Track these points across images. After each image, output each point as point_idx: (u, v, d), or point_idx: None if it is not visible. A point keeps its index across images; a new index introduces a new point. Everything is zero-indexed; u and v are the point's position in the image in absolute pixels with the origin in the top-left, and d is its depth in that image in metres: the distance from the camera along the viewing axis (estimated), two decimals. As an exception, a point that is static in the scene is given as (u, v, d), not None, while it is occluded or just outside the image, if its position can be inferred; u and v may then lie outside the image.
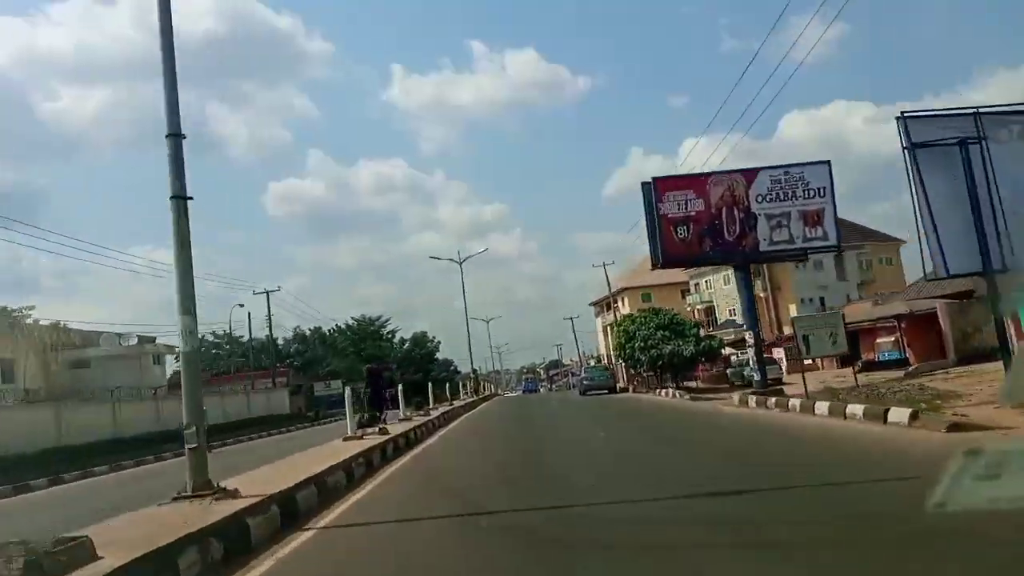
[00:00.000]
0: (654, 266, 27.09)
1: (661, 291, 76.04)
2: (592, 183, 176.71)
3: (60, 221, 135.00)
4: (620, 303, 78.75)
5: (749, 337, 25.08)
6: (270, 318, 47.77)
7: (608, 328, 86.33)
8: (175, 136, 8.52)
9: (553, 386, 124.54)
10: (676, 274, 76.25)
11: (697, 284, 72.07)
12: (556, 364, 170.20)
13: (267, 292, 47.02)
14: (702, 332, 39.07)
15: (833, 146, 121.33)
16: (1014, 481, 1.30)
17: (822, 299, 62.68)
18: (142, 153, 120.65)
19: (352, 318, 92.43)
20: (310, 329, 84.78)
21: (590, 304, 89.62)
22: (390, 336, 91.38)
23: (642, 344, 36.10)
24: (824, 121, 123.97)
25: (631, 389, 41.12)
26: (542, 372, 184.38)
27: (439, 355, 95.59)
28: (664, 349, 34.96)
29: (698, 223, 24.72)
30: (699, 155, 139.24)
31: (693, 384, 38.14)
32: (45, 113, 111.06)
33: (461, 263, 55.39)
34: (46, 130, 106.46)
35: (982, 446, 1.40)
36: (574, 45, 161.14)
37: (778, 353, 41.22)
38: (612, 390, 39.74)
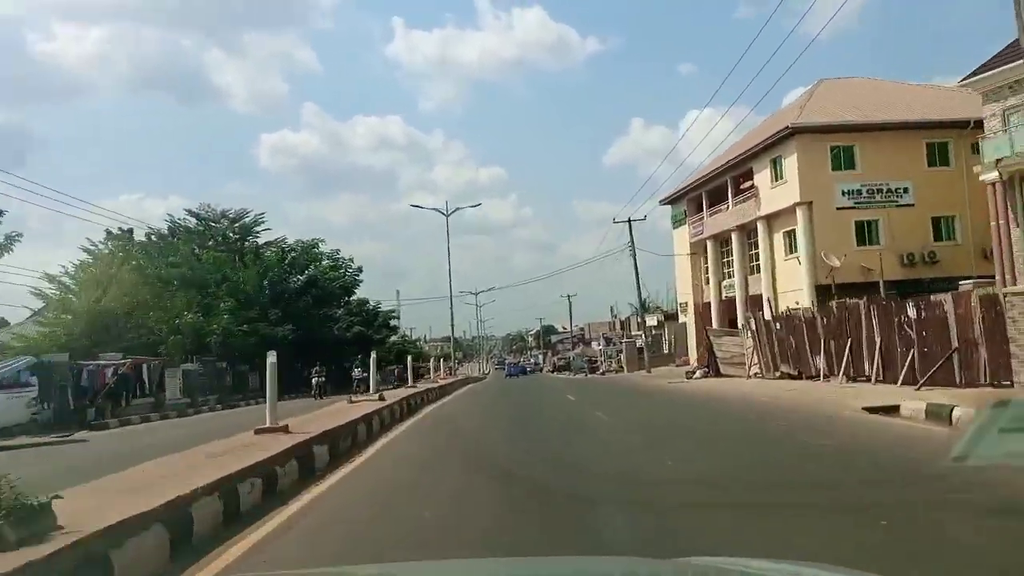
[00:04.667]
0: None
1: (883, 140, 31.49)
2: (593, 150, 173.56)
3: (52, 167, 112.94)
4: (773, 171, 33.62)
5: None
6: None
7: (705, 244, 41.35)
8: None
9: (556, 362, 79.21)
10: (925, 101, 32.12)
11: (1006, 116, 27.29)
12: (551, 330, 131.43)
13: None
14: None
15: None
16: None
17: None
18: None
19: (186, 209, 47.29)
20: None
21: (664, 201, 44.36)
22: (271, 250, 45.71)
23: None
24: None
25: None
26: (531, 340, 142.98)
27: (357, 295, 50.35)
28: None
29: None
30: (702, 128, 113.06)
31: None
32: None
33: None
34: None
35: (1010, 398, 1.23)
36: (584, 4, 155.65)
37: None
38: None
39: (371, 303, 49.52)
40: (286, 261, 42.69)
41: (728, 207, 36.81)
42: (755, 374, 20.84)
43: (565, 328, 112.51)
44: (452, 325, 46.76)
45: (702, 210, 39.89)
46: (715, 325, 38.17)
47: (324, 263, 46.12)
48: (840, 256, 29.73)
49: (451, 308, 44.01)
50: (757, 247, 35.05)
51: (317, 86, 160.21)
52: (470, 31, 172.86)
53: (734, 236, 36.44)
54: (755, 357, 20.81)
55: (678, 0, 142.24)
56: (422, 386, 24.86)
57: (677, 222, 43.45)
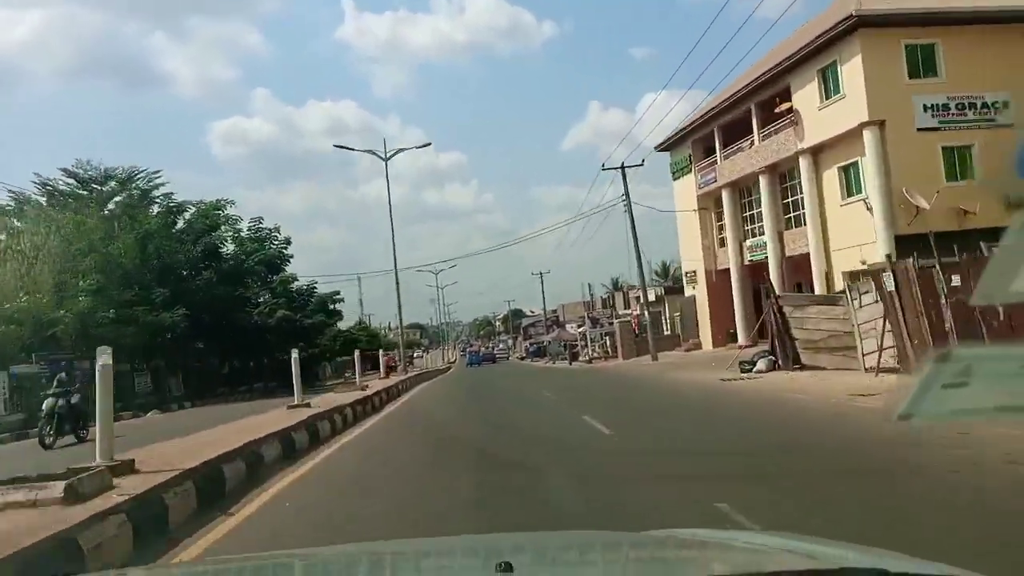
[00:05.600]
0: None
1: (970, 37, 22.83)
2: (552, 135, 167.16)
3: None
4: (823, 85, 24.91)
5: None
6: None
7: (719, 196, 32.13)
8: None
9: (529, 347, 70.85)
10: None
11: None
12: (519, 314, 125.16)
13: None
14: None
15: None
16: (978, 390, 1.16)
17: None
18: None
19: (61, 169, 37.58)
20: None
21: (660, 147, 35.65)
22: (171, 216, 35.85)
23: None
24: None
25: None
26: (499, 324, 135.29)
27: (281, 267, 41.04)
28: None
29: None
30: (658, 111, 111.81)
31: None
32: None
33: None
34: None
35: (952, 351, 1.18)
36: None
37: None
38: None
39: (300, 281, 40.19)
40: (177, 226, 33.20)
41: (753, 143, 28.42)
42: (885, 365, 12.39)
43: (534, 311, 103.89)
44: (399, 299, 37.68)
45: (714, 152, 31.46)
46: (736, 297, 29.93)
47: (243, 232, 36.79)
48: (930, 195, 21.54)
49: (396, 276, 34.62)
50: (796, 192, 26.77)
51: (268, 71, 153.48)
52: (422, 14, 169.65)
53: (763, 180, 28.05)
54: (885, 337, 12.31)
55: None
56: (319, 405, 15.17)
57: (679, 171, 34.97)
